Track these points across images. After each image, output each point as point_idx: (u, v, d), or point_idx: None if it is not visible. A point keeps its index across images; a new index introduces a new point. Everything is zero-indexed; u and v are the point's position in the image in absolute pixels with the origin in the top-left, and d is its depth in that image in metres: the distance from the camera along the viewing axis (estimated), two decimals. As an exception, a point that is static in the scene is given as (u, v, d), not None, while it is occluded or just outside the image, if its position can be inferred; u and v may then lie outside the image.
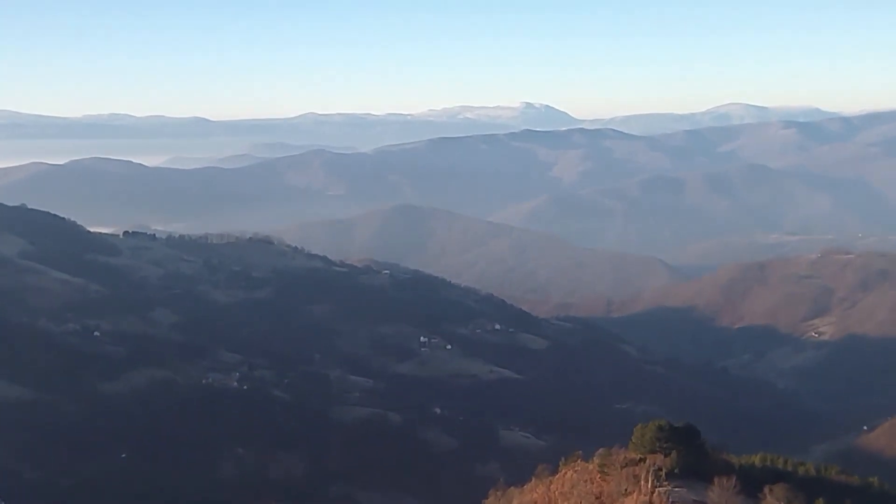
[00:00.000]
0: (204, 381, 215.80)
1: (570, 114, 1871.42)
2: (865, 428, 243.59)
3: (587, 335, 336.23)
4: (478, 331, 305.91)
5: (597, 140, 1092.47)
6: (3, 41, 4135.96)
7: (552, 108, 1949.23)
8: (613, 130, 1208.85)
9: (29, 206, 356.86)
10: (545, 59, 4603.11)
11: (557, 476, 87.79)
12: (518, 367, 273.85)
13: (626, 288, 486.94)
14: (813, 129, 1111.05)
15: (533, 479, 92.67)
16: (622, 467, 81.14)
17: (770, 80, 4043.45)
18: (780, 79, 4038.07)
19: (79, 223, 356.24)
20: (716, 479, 69.65)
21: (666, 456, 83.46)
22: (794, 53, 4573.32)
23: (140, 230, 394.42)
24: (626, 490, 76.74)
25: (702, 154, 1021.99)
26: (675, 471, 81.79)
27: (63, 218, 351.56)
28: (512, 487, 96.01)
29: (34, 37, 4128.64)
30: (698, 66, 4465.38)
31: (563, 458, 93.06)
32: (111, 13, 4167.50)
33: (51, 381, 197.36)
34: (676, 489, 77.20)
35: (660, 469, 79.37)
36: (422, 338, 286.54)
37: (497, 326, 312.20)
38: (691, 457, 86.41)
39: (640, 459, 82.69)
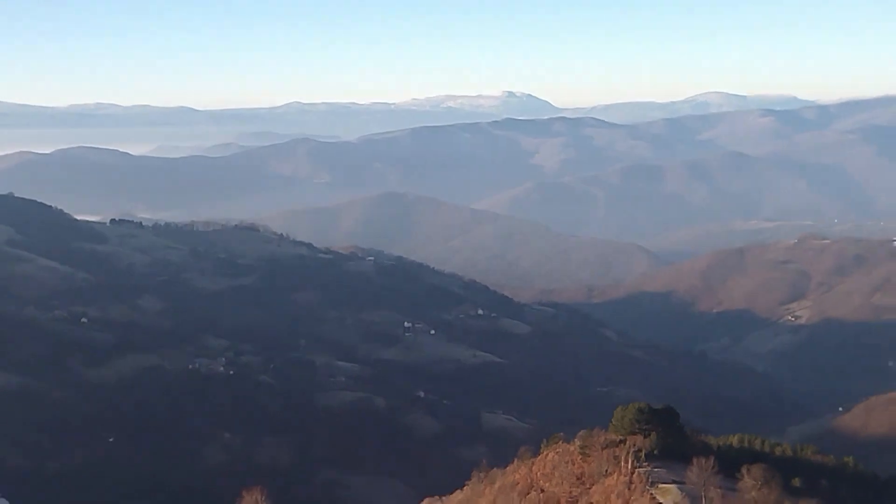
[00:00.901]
0: (190, 367, 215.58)
1: (552, 102, 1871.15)
2: (841, 409, 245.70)
3: (569, 320, 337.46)
4: (461, 316, 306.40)
5: (578, 128, 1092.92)
6: (15, 30, 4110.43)
7: (533, 96, 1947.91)
8: (594, 119, 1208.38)
9: (16, 195, 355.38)
10: (527, 48, 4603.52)
11: (539, 457, 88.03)
12: (501, 351, 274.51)
13: (607, 274, 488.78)
14: (790, 117, 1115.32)
15: (515, 461, 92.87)
16: (603, 449, 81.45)
17: (748, 68, 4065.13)
18: (757, 67, 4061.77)
19: (66, 211, 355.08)
20: (694, 460, 69.90)
21: (645, 437, 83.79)
22: (771, 42, 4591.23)
23: (127, 218, 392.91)
24: (606, 471, 77.06)
25: (681, 142, 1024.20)
26: (655, 452, 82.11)
27: (50, 206, 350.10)
28: (495, 469, 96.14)
29: (19, 27, 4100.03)
30: (677, 55, 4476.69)
31: (544, 440, 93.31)
32: (95, 2, 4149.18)
33: (38, 367, 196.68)
34: (656, 470, 77.48)
35: (639, 450, 79.67)
36: (406, 323, 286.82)
37: (480, 312, 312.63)
38: (670, 438, 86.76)
39: (621, 441, 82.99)
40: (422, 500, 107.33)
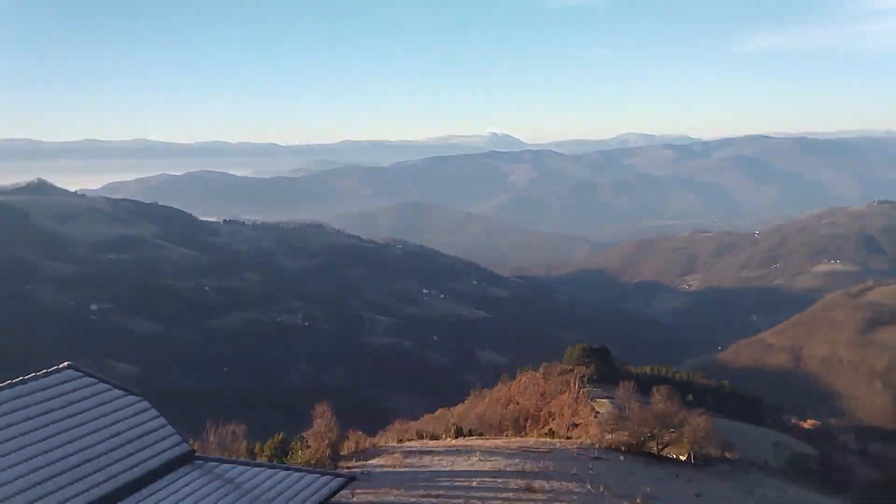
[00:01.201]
0: (278, 320, 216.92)
1: (522, 140, 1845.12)
2: (720, 348, 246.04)
3: (534, 288, 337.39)
4: (462, 285, 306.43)
5: (540, 158, 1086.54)
6: (143, 88, 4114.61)
7: (510, 136, 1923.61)
8: (551, 151, 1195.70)
9: (160, 204, 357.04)
10: (505, 102, 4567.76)
11: (515, 381, 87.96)
12: (489, 309, 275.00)
13: (560, 256, 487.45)
14: (684, 149, 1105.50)
15: (499, 383, 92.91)
16: (558, 375, 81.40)
17: (656, 115, 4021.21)
18: (662, 114, 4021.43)
19: (193, 214, 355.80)
20: (620, 383, 69.87)
21: (587, 367, 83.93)
22: (672, 96, 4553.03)
23: (234, 219, 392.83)
24: (560, 390, 77.02)
25: (610, 167, 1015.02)
26: (594, 377, 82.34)
27: (182, 211, 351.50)
28: (485, 389, 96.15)
29: (161, 88, 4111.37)
30: (607, 107, 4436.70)
31: (519, 369, 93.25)
32: (214, 74, 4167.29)
33: (176, 320, 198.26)
34: (594, 389, 77.64)
35: (583, 376, 79.60)
36: (424, 290, 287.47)
37: (474, 282, 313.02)
38: (604, 368, 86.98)
39: (571, 370, 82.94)
40: (436, 411, 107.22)
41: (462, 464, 49.39)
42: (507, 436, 65.24)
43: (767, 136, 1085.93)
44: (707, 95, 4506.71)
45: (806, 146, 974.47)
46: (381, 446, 57.06)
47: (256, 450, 47.22)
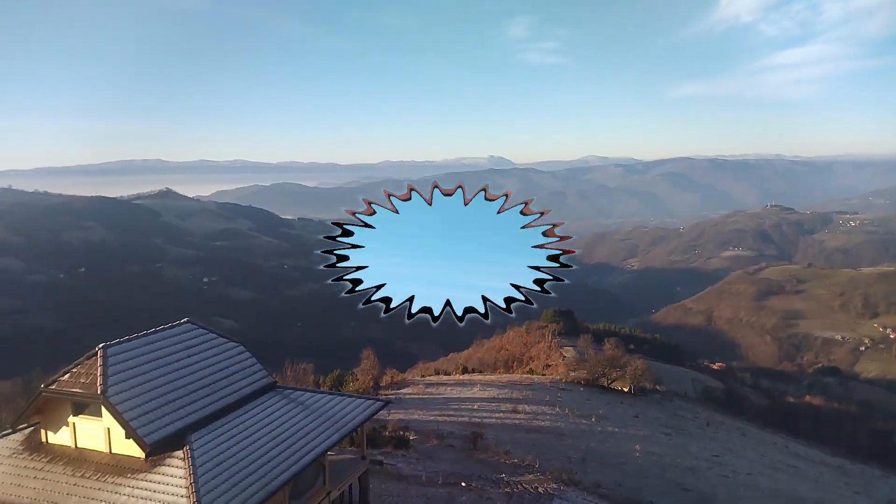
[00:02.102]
0: (336, 290, 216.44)
1: (512, 160, 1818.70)
2: (653, 311, 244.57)
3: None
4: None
5: (525, 174, 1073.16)
6: (241, 122, 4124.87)
7: (504, 157, 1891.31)
8: (533, 169, 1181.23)
9: (253, 206, 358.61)
10: (501, 132, 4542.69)
11: (506, 334, 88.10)
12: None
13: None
14: (629, 167, 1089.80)
15: (494, 335, 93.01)
16: (536, 330, 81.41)
17: (609, 142, 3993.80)
18: (613, 141, 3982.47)
19: (276, 214, 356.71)
20: (581, 336, 69.74)
21: (557, 324, 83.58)
22: (620, 129, 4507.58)
23: (305, 217, 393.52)
24: (538, 340, 76.97)
25: (574, 181, 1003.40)
26: (562, 332, 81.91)
27: (268, 211, 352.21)
28: (484, 339, 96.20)
29: (254, 120, 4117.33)
30: (574, 136, 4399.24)
31: (508, 325, 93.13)
32: (292, 113, 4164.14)
33: (263, 289, 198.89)
34: (562, 340, 77.36)
35: (555, 331, 79.45)
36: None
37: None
38: (570, 325, 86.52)
39: (545, 326, 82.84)
40: (448, 355, 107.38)
41: (467, 392, 49.66)
42: (499, 373, 65.46)
43: (690, 158, 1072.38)
44: (646, 128, 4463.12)
45: (718, 165, 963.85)
46: (409, 380, 57.39)
47: (320, 382, 47.61)
